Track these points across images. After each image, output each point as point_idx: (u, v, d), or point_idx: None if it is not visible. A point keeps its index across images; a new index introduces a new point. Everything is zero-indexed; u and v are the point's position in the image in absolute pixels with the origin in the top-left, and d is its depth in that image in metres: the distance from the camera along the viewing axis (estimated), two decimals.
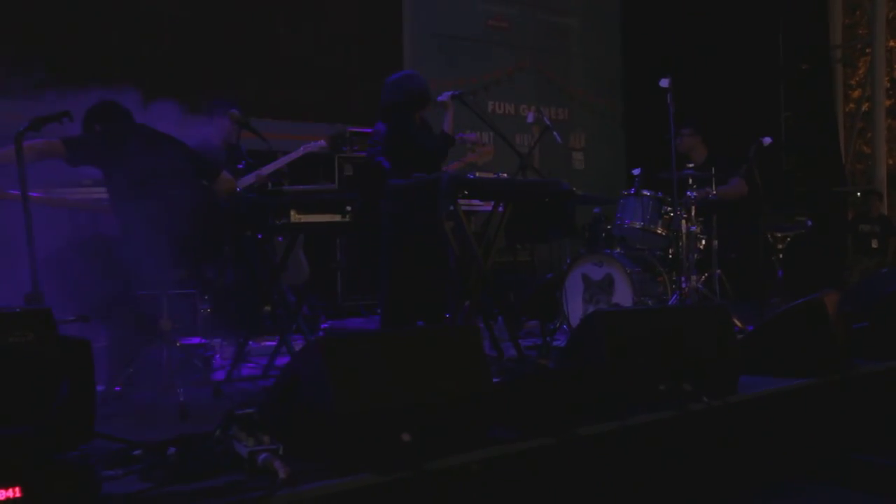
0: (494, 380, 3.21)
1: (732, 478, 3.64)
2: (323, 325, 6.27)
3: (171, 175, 3.95)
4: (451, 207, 4.71)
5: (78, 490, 2.22)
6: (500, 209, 5.07)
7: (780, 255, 6.26)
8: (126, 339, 4.00)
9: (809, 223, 6.38)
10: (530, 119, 6.25)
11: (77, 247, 4.00)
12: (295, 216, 4.34)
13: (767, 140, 6.24)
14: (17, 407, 2.23)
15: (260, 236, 5.17)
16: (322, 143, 5.43)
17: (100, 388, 3.45)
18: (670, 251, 6.20)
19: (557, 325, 5.98)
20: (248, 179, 4.97)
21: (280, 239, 5.81)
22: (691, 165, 6.12)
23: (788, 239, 6.30)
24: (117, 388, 3.92)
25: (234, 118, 5.19)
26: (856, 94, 11.05)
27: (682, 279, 5.70)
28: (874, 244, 9.77)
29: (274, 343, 4.95)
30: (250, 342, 4.90)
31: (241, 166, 5.14)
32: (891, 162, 10.80)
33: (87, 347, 2.47)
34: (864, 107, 10.92)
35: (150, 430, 3.33)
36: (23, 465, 2.15)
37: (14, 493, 2.09)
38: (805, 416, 4.03)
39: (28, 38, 6.49)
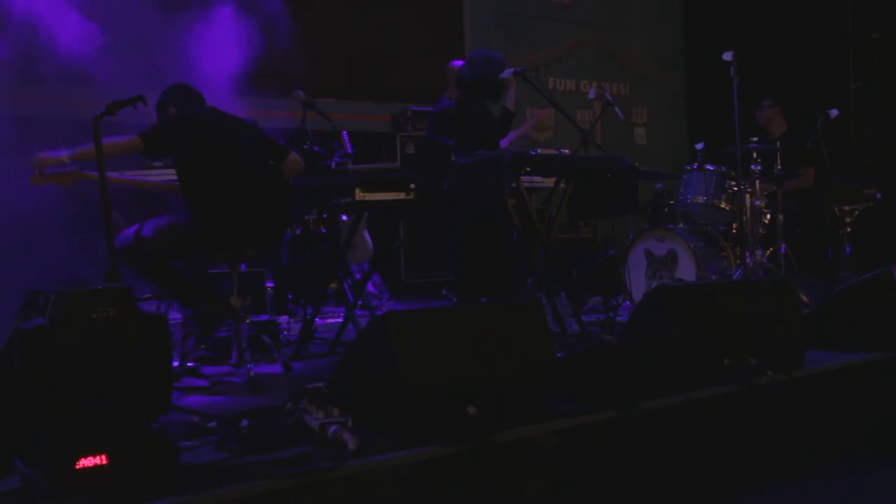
0: (558, 354, 3.24)
1: (798, 452, 3.62)
2: (387, 303, 6.36)
3: (241, 156, 4.04)
4: (514, 184, 4.72)
5: (159, 459, 2.32)
6: (563, 185, 5.07)
7: (848, 229, 6.13)
8: (197, 315, 4.12)
9: (878, 196, 6.24)
10: (592, 95, 6.20)
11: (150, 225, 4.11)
12: (359, 194, 4.39)
13: (835, 112, 6.12)
14: (101, 379, 2.33)
15: (325, 215, 5.24)
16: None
17: (173, 363, 3.57)
18: (734, 226, 6.12)
19: (620, 300, 5.97)
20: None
21: (345, 218, 5.90)
22: (755, 139, 6.03)
23: (857, 212, 6.17)
24: (190, 364, 4.04)
25: (298, 99, 5.27)
26: None
27: (747, 254, 5.64)
28: None
29: (339, 320, 5.04)
30: (316, 319, 5.00)
31: (306, 146, 5.22)
32: None
33: (164, 323, 2.55)
34: None
35: (222, 404, 3.44)
36: (108, 435, 2.25)
37: (101, 460, 2.20)
38: (873, 390, 3.98)
39: None
